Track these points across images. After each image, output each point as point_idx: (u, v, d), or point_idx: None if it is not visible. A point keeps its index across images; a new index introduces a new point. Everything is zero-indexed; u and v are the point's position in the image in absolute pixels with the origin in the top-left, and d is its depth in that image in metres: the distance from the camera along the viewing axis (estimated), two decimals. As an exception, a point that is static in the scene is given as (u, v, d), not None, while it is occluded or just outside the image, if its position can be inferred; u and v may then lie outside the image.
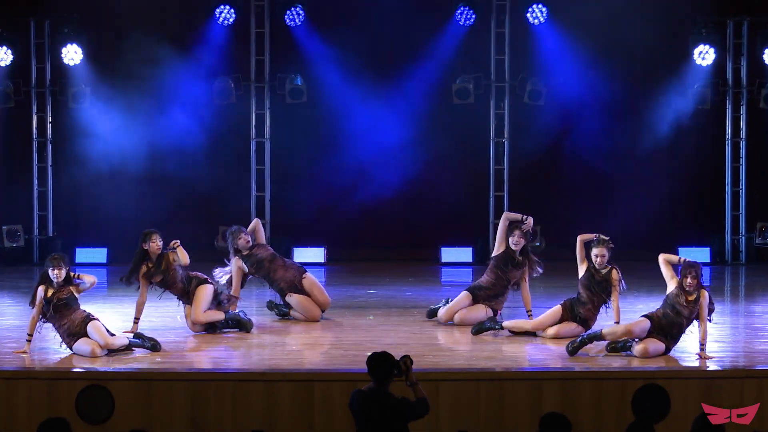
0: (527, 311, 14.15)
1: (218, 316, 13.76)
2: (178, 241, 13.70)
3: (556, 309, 13.49)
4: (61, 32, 20.66)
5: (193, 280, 13.78)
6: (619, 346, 12.37)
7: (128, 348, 12.44)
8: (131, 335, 12.70)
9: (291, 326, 14.38)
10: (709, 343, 12.49)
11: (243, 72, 21.12)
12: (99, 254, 20.66)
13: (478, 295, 14.34)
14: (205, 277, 13.95)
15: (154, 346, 12.53)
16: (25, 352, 12.27)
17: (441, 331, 14.05)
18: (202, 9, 20.61)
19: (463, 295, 14.38)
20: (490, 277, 14.33)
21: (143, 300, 13.67)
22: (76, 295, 12.46)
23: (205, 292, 13.73)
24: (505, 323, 13.71)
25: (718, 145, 21.42)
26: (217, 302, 13.87)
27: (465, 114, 21.10)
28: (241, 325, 13.85)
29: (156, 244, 13.59)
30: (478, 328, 13.65)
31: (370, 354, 9.29)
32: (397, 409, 9.10)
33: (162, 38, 20.27)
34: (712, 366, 11.81)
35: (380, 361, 9.20)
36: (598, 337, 12.30)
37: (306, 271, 14.76)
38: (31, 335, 12.38)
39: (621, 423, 10.67)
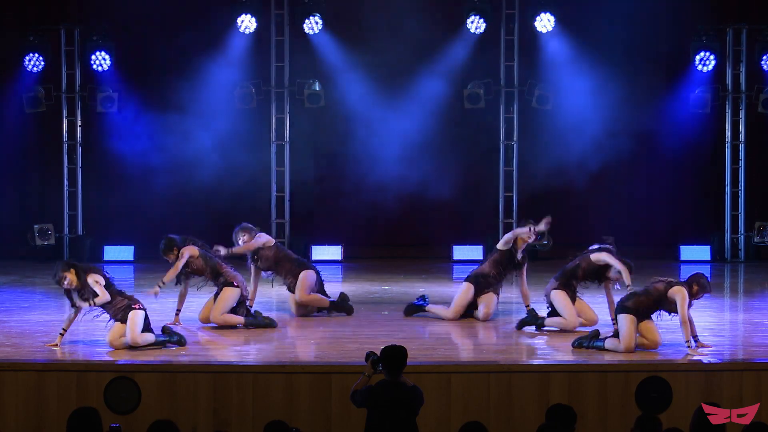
0: (526, 306, 14.28)
1: (237, 320, 13.95)
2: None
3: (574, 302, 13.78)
4: (90, 40, 20.77)
5: (220, 277, 13.99)
6: (585, 344, 12.50)
7: (158, 345, 12.56)
8: (159, 333, 12.74)
9: (308, 321, 14.62)
10: (709, 337, 12.78)
11: (263, 78, 21.21)
12: (126, 252, 20.82)
13: (482, 282, 14.48)
14: (234, 276, 14.03)
15: (179, 340, 12.69)
16: (56, 345, 12.50)
17: (452, 325, 14.24)
18: (224, 18, 20.66)
19: (466, 288, 14.55)
20: (493, 269, 14.48)
21: (184, 292, 14.09)
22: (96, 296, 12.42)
23: (230, 295, 13.97)
24: (547, 320, 13.80)
25: (718, 148, 21.51)
26: (240, 307, 14.02)
27: (476, 118, 21.23)
28: (266, 326, 13.98)
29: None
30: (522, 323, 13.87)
31: (385, 347, 9.52)
32: (414, 395, 9.34)
33: (186, 46, 20.46)
34: (712, 359, 11.90)
35: (397, 354, 9.46)
36: (601, 348, 12.40)
37: (306, 269, 14.85)
38: (65, 330, 12.61)
39: (625, 414, 11.06)
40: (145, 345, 12.51)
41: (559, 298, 13.73)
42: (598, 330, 12.63)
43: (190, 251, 13.96)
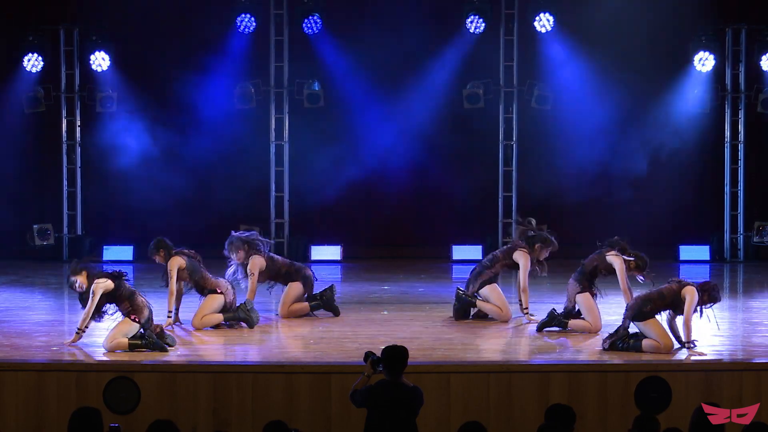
0: (524, 310, 14.35)
1: (216, 319, 13.91)
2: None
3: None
4: (89, 40, 20.85)
5: (205, 290, 13.96)
6: (619, 345, 12.38)
7: (131, 348, 12.32)
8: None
9: (308, 320, 14.61)
10: (708, 336, 12.73)
11: (263, 78, 21.24)
12: (126, 252, 20.77)
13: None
14: (217, 284, 13.98)
15: (154, 345, 12.34)
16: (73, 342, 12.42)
17: (452, 325, 14.27)
18: (223, 18, 20.69)
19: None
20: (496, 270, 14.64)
21: (172, 290, 13.83)
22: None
23: (212, 302, 13.91)
24: (571, 323, 13.73)
25: (717, 148, 21.53)
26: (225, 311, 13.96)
27: (475, 118, 21.25)
28: (245, 321, 13.95)
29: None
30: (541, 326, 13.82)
31: (386, 347, 9.54)
32: (414, 395, 9.34)
33: (185, 45, 20.57)
34: (712, 359, 11.95)
35: (398, 354, 9.47)
36: (639, 349, 12.33)
37: (292, 280, 14.86)
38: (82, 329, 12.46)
39: (625, 414, 11.05)
40: (119, 350, 12.36)
41: (585, 301, 13.73)
42: (627, 330, 12.51)
43: (177, 264, 13.88)
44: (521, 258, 14.45)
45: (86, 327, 12.47)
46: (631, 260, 13.58)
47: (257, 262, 14.62)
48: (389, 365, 9.44)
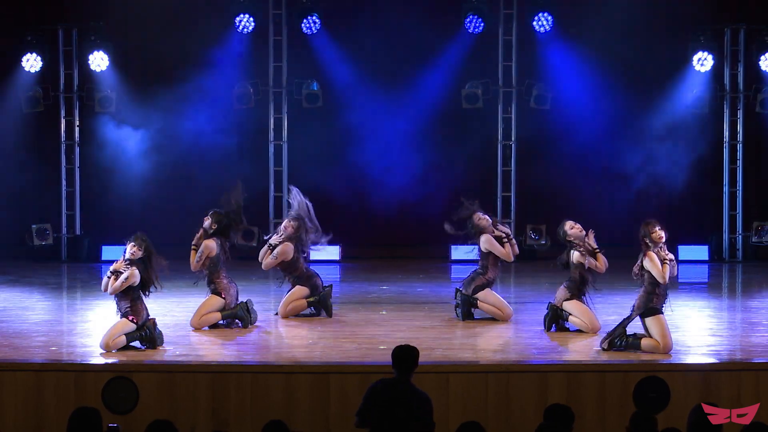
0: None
1: (214, 318, 13.98)
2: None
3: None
4: (88, 40, 20.88)
5: (212, 284, 14.00)
6: (618, 342, 12.35)
7: (129, 341, 12.41)
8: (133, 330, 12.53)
9: (306, 321, 14.62)
10: (707, 336, 12.78)
11: (261, 78, 21.28)
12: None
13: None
14: (225, 289, 13.98)
15: (150, 337, 12.44)
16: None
17: (451, 325, 14.27)
18: (222, 18, 20.73)
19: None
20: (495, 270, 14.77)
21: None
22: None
23: (213, 302, 13.96)
24: (570, 319, 13.68)
25: (716, 148, 21.58)
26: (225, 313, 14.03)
27: (474, 118, 21.30)
28: (241, 320, 14.02)
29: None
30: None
31: (396, 347, 9.45)
32: (413, 396, 9.25)
33: (184, 45, 20.54)
34: (710, 359, 11.98)
35: (405, 354, 9.38)
36: (638, 347, 12.33)
37: (297, 285, 14.92)
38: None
39: (623, 414, 10.87)
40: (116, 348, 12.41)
41: (575, 306, 13.71)
42: (624, 330, 12.50)
43: (209, 249, 13.99)
44: (483, 241, 14.66)
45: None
46: (581, 249, 13.62)
47: (288, 251, 14.74)
48: (397, 365, 9.37)
